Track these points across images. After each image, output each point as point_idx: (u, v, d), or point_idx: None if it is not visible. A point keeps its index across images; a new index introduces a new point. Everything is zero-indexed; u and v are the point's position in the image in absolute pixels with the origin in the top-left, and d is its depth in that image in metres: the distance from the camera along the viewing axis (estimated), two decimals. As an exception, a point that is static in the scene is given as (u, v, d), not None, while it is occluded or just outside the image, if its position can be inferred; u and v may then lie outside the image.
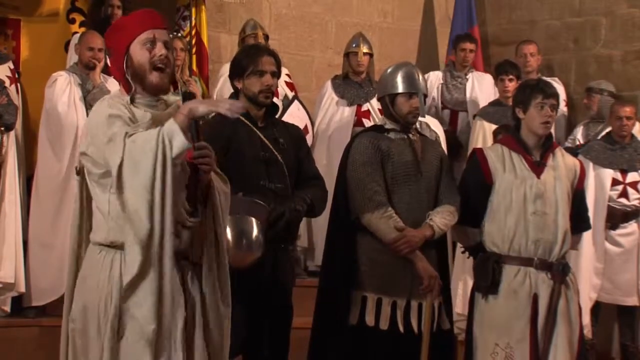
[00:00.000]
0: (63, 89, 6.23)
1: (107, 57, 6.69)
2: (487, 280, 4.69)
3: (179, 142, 3.18)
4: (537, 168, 4.76)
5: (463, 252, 5.05)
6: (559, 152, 4.88)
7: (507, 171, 4.76)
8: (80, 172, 3.44)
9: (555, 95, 4.79)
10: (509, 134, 4.96)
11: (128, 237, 3.24)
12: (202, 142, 3.32)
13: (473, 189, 4.81)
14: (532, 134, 4.79)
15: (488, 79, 7.98)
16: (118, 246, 3.32)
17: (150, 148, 3.17)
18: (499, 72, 7.46)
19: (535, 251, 4.67)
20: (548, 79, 7.71)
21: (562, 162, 4.81)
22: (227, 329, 3.49)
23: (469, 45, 7.93)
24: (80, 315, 3.40)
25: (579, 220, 4.87)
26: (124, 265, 3.28)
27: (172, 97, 3.51)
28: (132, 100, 3.41)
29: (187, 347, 3.36)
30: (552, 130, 7.44)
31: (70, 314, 3.47)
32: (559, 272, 4.66)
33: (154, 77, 3.39)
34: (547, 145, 4.82)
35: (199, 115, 3.26)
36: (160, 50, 3.38)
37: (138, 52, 3.39)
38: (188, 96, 3.33)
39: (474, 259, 4.85)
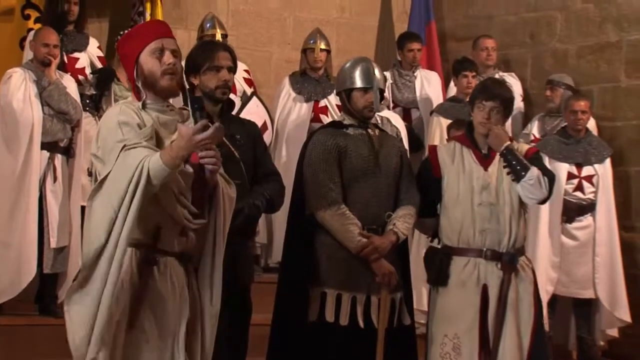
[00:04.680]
0: (18, 86, 6.16)
1: (64, 53, 6.68)
2: (435, 272, 4.80)
3: (158, 175, 3.27)
4: (485, 161, 4.84)
5: (432, 241, 5.06)
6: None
7: (455, 165, 4.85)
8: (92, 173, 3.54)
9: (499, 98, 4.81)
10: (464, 130, 5.04)
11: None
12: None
13: (424, 183, 4.90)
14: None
15: (435, 76, 8.08)
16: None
17: (130, 170, 3.28)
18: (460, 69, 7.47)
19: (483, 241, 4.74)
20: (505, 74, 7.84)
21: None
22: (215, 328, 3.60)
23: (416, 45, 7.96)
24: None
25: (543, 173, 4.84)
26: None
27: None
28: (144, 106, 3.53)
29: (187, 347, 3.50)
30: (509, 124, 7.59)
31: None
32: (507, 262, 4.72)
33: (164, 81, 3.53)
34: None
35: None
36: (168, 58, 3.52)
37: (148, 61, 3.53)
38: (197, 101, 3.55)
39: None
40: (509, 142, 4.78)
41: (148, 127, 3.42)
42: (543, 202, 4.90)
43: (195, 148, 3.34)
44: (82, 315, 3.34)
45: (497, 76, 7.70)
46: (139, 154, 3.30)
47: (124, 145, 3.33)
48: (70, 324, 3.38)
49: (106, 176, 3.34)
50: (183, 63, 3.65)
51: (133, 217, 3.30)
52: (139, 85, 3.55)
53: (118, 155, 3.32)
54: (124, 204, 3.28)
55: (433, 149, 5.04)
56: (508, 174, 4.75)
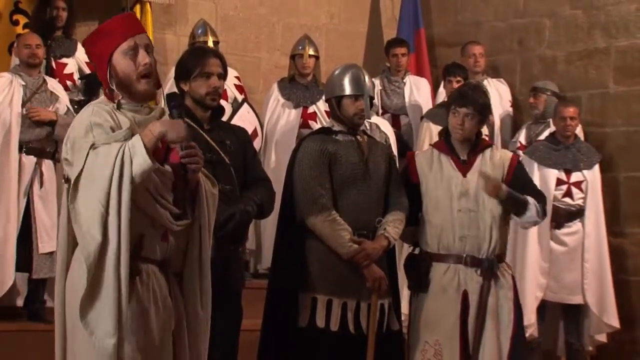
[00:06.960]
0: (2, 90, 6.15)
1: (52, 59, 6.66)
2: (415, 279, 4.83)
3: (141, 161, 3.16)
4: (463, 167, 4.86)
5: (414, 249, 5.06)
6: (490, 151, 4.96)
7: (434, 171, 4.87)
8: (67, 180, 3.37)
9: (472, 104, 4.83)
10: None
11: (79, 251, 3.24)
12: (190, 142, 3.34)
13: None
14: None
15: (424, 82, 8.10)
16: None
17: (109, 162, 3.16)
18: (446, 74, 7.52)
19: (462, 248, 4.77)
20: (494, 80, 7.86)
21: (490, 160, 4.90)
22: (207, 334, 3.51)
23: (400, 50, 7.98)
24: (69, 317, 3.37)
25: (535, 197, 4.88)
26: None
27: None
28: (119, 106, 3.40)
29: (174, 355, 3.39)
30: (497, 127, 7.61)
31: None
32: (487, 268, 4.74)
33: (141, 85, 3.38)
34: (476, 145, 4.91)
35: (168, 142, 3.28)
36: (144, 58, 3.37)
37: (122, 61, 3.38)
38: (173, 98, 3.40)
39: None
40: (504, 187, 4.77)
41: (122, 130, 3.27)
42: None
43: (171, 124, 3.26)
44: (107, 326, 3.18)
45: (485, 82, 7.73)
46: (111, 147, 3.18)
47: (93, 144, 3.21)
48: (98, 333, 3.21)
49: (79, 177, 3.20)
50: (172, 68, 3.62)
51: (127, 207, 3.16)
52: (113, 86, 3.40)
53: (87, 154, 3.19)
54: (111, 197, 3.15)
55: (411, 155, 5.07)
56: (510, 212, 4.81)
